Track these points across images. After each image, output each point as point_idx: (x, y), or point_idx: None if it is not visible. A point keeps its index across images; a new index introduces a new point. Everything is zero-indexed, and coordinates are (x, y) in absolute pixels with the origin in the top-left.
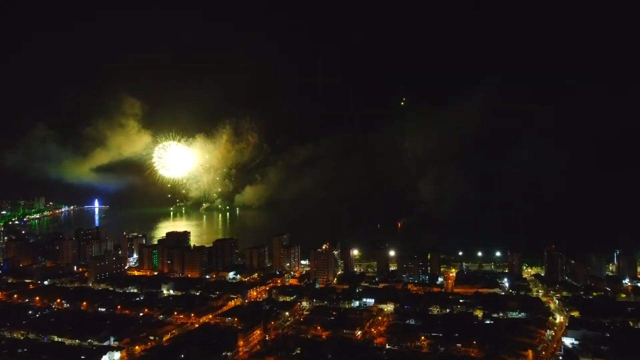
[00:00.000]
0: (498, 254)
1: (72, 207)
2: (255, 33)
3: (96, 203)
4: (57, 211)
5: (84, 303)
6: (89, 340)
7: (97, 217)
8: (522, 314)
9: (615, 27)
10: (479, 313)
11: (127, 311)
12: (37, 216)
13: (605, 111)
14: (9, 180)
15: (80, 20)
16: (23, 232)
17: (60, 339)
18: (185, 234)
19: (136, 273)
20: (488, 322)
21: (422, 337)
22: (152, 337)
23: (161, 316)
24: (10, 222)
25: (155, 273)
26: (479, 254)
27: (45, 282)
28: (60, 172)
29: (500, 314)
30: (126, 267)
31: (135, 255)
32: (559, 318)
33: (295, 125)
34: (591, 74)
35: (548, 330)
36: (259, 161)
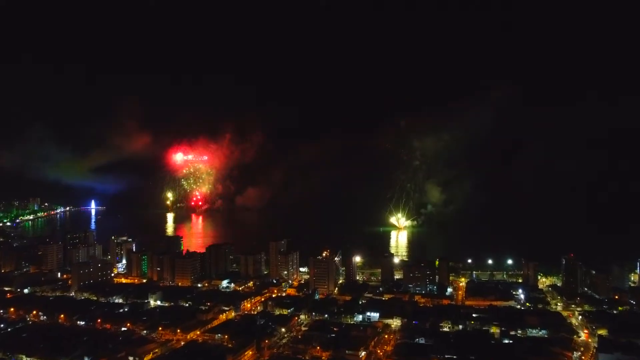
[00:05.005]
0: (510, 261)
1: (68, 209)
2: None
3: (93, 204)
4: (52, 212)
5: (62, 315)
6: None
7: (93, 219)
8: (543, 331)
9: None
10: (495, 330)
11: (108, 325)
12: (31, 217)
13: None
14: (6, 180)
15: (80, 19)
16: (12, 234)
17: (28, 359)
18: (177, 239)
19: (123, 281)
20: (506, 341)
21: None
22: (131, 358)
23: (145, 332)
24: (1, 224)
25: (144, 281)
26: (490, 261)
27: (25, 291)
28: (58, 172)
29: (519, 332)
30: (113, 275)
31: (124, 261)
32: (583, 336)
33: (299, 125)
34: None
35: (575, 352)
36: (261, 162)
